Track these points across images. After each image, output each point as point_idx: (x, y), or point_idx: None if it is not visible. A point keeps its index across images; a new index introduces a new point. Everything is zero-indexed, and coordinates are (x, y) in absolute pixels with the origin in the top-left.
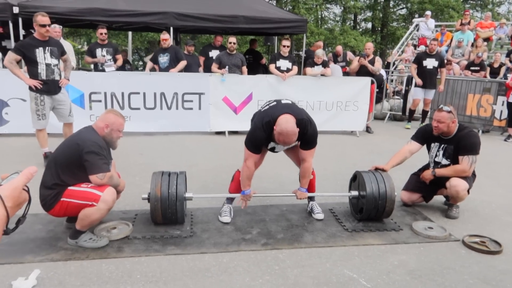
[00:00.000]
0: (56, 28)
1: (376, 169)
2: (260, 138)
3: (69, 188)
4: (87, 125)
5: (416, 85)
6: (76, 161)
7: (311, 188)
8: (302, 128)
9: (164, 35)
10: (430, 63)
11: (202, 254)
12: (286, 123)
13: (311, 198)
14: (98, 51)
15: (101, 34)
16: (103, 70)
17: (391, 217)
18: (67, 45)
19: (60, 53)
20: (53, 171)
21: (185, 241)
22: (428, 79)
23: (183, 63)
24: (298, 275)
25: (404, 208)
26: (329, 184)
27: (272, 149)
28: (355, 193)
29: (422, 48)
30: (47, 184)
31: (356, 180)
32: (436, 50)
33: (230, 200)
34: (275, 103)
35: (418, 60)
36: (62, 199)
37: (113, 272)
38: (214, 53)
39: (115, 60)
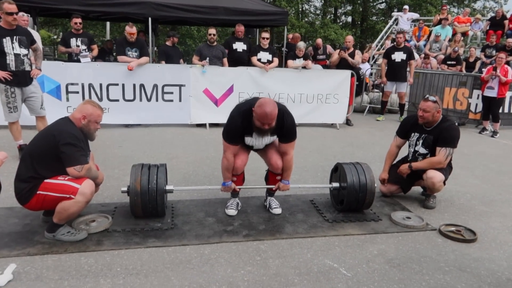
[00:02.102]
0: (24, 17)
1: (384, 180)
2: (237, 127)
3: (46, 180)
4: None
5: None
6: (53, 153)
7: (276, 183)
8: (279, 117)
9: (131, 29)
10: (398, 56)
11: (184, 246)
12: (265, 103)
13: (269, 194)
14: (73, 41)
15: (76, 23)
16: (78, 61)
17: (371, 208)
18: (34, 33)
19: (29, 42)
20: (28, 163)
21: (166, 234)
22: (398, 72)
23: (146, 59)
24: (279, 266)
25: (383, 198)
26: (309, 176)
27: (250, 148)
28: (336, 184)
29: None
30: (22, 177)
31: (337, 171)
32: (403, 43)
33: (236, 194)
34: (253, 97)
35: (387, 54)
36: (38, 192)
37: (92, 265)
38: (238, 45)
39: (90, 50)
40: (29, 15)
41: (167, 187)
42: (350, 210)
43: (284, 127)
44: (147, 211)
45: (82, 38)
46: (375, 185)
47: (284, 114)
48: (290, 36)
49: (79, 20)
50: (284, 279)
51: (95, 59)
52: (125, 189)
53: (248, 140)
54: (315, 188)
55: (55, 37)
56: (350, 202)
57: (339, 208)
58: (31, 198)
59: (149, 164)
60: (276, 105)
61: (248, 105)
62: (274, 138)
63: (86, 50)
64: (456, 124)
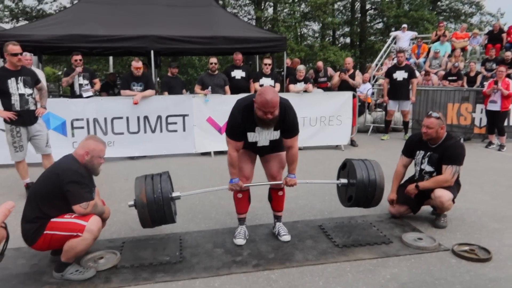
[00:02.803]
0: (27, 56)
1: (392, 201)
2: (237, 123)
3: (52, 220)
4: (69, 153)
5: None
6: (57, 192)
7: (280, 205)
8: (281, 110)
9: (138, 63)
10: (400, 75)
11: (193, 280)
12: (265, 91)
13: (277, 219)
14: (75, 78)
15: (76, 60)
16: (81, 96)
17: (381, 230)
18: (39, 72)
19: (34, 82)
20: (34, 204)
21: (174, 267)
22: (400, 91)
23: (151, 92)
24: None
25: (392, 220)
26: (317, 200)
27: (255, 144)
28: (344, 180)
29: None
30: (28, 218)
31: (345, 168)
32: (404, 62)
33: (243, 221)
34: (253, 94)
35: (389, 73)
36: (45, 232)
37: None
38: (236, 73)
39: (92, 85)
40: (33, 54)
41: (174, 194)
42: (358, 205)
43: (286, 120)
44: (156, 221)
45: (84, 73)
46: (384, 182)
47: (286, 108)
48: (289, 61)
49: (79, 57)
50: None
51: (99, 92)
52: (132, 203)
53: (251, 136)
54: (324, 184)
55: (60, 73)
56: (358, 197)
57: (347, 205)
58: (38, 239)
59: (152, 174)
60: (277, 93)
61: (248, 100)
62: (278, 134)
63: (88, 85)
64: (462, 140)
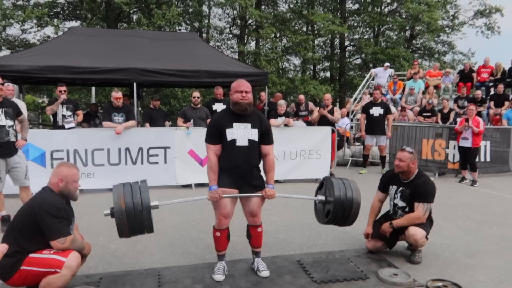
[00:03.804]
0: (10, 86)
1: (368, 235)
2: (215, 122)
3: (30, 255)
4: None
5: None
6: (35, 226)
7: (258, 242)
8: (257, 113)
9: (117, 94)
10: (376, 111)
11: None
12: (239, 79)
13: (256, 254)
14: (59, 108)
15: (60, 91)
16: (63, 127)
17: (358, 266)
18: (20, 103)
19: (15, 114)
20: (12, 238)
21: None
22: (376, 126)
23: (133, 123)
24: None
25: (369, 255)
26: (296, 234)
27: (233, 142)
28: (322, 197)
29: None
30: (6, 252)
31: (323, 186)
32: (380, 98)
33: (222, 257)
34: None
35: (365, 109)
36: (22, 267)
37: None
38: (217, 106)
39: (75, 116)
40: (15, 83)
41: (152, 203)
42: (335, 221)
43: (264, 122)
44: (133, 229)
45: (68, 104)
46: (360, 198)
47: (261, 114)
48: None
49: (63, 88)
50: None
51: (80, 123)
52: (108, 212)
53: (230, 133)
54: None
55: (41, 101)
56: (336, 211)
57: (324, 221)
58: (14, 274)
59: (130, 182)
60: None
61: (225, 108)
62: (256, 134)
63: (72, 116)
64: (436, 175)
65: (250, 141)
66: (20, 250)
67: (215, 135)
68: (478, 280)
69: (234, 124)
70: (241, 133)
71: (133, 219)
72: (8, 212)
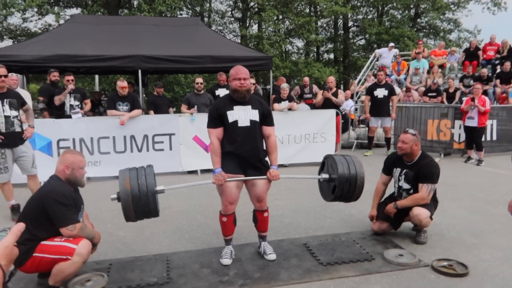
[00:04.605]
0: (13, 76)
1: (372, 217)
2: (216, 107)
3: (42, 243)
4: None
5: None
6: (44, 214)
7: (264, 226)
8: (255, 95)
9: (123, 83)
10: (380, 92)
11: None
12: (237, 66)
13: (262, 238)
14: (66, 98)
15: (68, 81)
16: (70, 117)
17: (363, 247)
18: (24, 93)
19: (20, 104)
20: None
21: None
22: (381, 107)
23: (138, 112)
24: None
25: (375, 237)
26: (302, 218)
27: (235, 123)
28: (325, 175)
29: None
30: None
31: (325, 166)
32: (384, 80)
33: (229, 242)
34: None
35: (370, 91)
36: (34, 254)
37: None
38: (220, 91)
39: (82, 106)
40: (20, 74)
41: (158, 188)
42: (342, 197)
43: (264, 104)
44: (139, 212)
45: (75, 94)
46: (364, 171)
47: (258, 97)
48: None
49: (71, 78)
50: None
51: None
52: (115, 196)
53: (231, 115)
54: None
55: None
56: (342, 184)
57: (331, 198)
58: (27, 261)
59: (136, 167)
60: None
61: (225, 94)
62: (257, 114)
63: (79, 106)
64: (442, 155)
65: (251, 121)
66: (32, 238)
67: (216, 119)
68: (483, 259)
69: (235, 107)
70: (242, 114)
71: (139, 201)
72: (17, 201)
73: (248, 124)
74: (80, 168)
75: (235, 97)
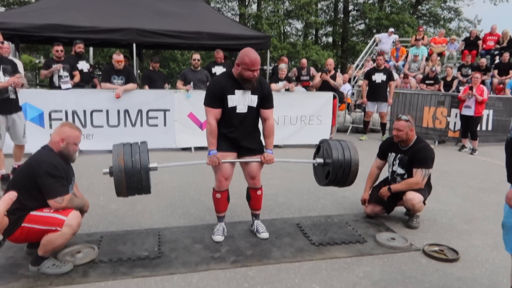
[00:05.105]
0: (5, 44)
1: (364, 201)
2: (218, 86)
3: (31, 213)
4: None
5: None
6: (34, 183)
7: (258, 204)
8: (260, 78)
9: (119, 56)
10: (378, 77)
11: (171, 275)
12: (249, 51)
13: (255, 217)
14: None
15: (57, 51)
16: (59, 87)
17: (356, 230)
18: (17, 62)
19: (13, 71)
20: None
21: (153, 262)
22: (378, 92)
23: (133, 86)
24: None
25: (367, 220)
26: (295, 198)
27: (234, 109)
28: (320, 160)
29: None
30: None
31: (320, 150)
32: (383, 65)
33: (221, 219)
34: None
35: (368, 75)
36: (23, 224)
37: None
38: (217, 69)
39: (72, 77)
40: (11, 42)
41: (151, 165)
42: (336, 181)
43: (264, 87)
44: (132, 188)
45: (64, 64)
46: (358, 156)
47: (261, 78)
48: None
49: (60, 48)
50: None
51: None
52: (107, 170)
53: (232, 99)
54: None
55: (38, 61)
56: (336, 169)
57: (325, 182)
58: (16, 231)
59: (130, 142)
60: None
61: (225, 71)
62: (255, 100)
63: (68, 77)
64: (436, 143)
65: (249, 107)
66: (21, 208)
67: (216, 99)
68: (474, 245)
69: (236, 91)
70: (242, 100)
71: (132, 177)
72: (7, 171)
73: (245, 110)
74: (74, 144)
75: (243, 84)
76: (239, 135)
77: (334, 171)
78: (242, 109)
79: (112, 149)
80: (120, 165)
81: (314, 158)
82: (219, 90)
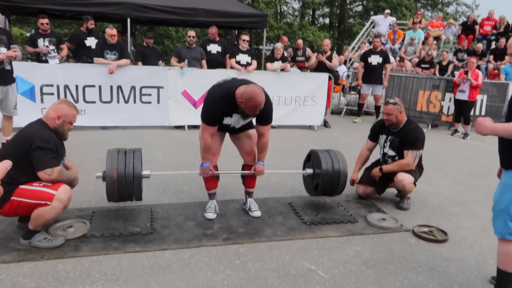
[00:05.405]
0: None
1: (353, 181)
2: (217, 111)
3: (20, 186)
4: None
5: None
6: (24, 156)
7: (252, 182)
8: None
9: (112, 31)
10: (374, 59)
11: (163, 251)
12: (255, 94)
13: (249, 195)
14: (40, 41)
15: (42, 24)
16: (46, 62)
17: (347, 210)
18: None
19: (9, 41)
20: None
21: (145, 238)
22: (374, 75)
23: (126, 61)
24: (258, 269)
25: (359, 200)
26: (288, 178)
27: (227, 126)
28: (310, 170)
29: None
30: None
31: (310, 159)
32: (379, 47)
33: (213, 196)
34: (231, 78)
35: (364, 57)
36: (12, 198)
37: (70, 272)
38: (212, 47)
39: (59, 50)
40: (2, 14)
41: (144, 173)
42: (325, 192)
43: (263, 110)
44: (123, 198)
45: (50, 38)
46: (347, 169)
47: (267, 99)
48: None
49: (45, 21)
50: (263, 282)
51: (67, 58)
52: (100, 174)
53: (227, 120)
54: (292, 174)
55: (28, 34)
56: (324, 183)
57: (314, 194)
58: (5, 204)
59: (125, 149)
60: (262, 90)
61: (227, 88)
62: (250, 121)
63: (55, 51)
64: (429, 126)
65: (242, 125)
66: (10, 181)
67: (215, 120)
68: (463, 227)
69: (234, 114)
70: (238, 121)
71: (123, 188)
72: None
73: (238, 126)
74: (70, 123)
75: (243, 115)
76: (232, 132)
77: (323, 185)
78: (236, 125)
79: (107, 155)
80: (113, 177)
81: (304, 167)
82: (219, 113)
